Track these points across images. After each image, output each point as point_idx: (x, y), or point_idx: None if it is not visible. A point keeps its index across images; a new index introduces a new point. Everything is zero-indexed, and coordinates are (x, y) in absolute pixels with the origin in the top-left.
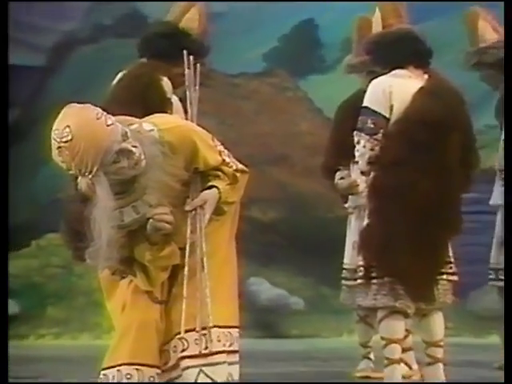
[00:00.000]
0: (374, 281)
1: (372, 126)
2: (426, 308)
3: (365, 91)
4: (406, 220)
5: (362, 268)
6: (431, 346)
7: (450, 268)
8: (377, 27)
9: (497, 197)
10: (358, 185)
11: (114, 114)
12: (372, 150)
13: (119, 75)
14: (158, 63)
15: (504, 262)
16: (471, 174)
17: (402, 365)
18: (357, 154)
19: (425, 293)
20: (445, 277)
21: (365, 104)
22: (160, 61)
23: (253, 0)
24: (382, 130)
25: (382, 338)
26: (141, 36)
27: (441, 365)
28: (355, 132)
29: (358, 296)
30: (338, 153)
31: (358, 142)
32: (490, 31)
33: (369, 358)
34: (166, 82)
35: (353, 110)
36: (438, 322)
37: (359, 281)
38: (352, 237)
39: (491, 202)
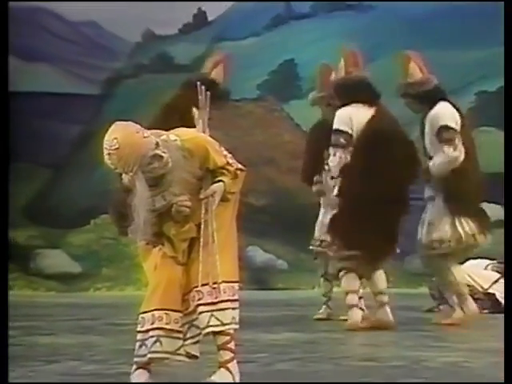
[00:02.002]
0: (341, 252)
1: (344, 141)
2: (373, 268)
3: (323, 120)
4: (367, 209)
5: (330, 242)
6: (378, 294)
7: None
8: (341, 72)
9: (427, 191)
10: (325, 192)
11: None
12: (345, 159)
13: (164, 104)
14: (192, 96)
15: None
16: (415, 172)
17: (358, 308)
18: (332, 163)
19: (379, 260)
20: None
21: (335, 127)
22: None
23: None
24: (351, 144)
25: (346, 291)
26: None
27: (387, 307)
28: (331, 148)
29: (327, 260)
30: (311, 165)
31: (334, 154)
32: (417, 71)
33: (328, 305)
34: (195, 111)
35: (318, 135)
36: (381, 277)
37: (329, 252)
38: (321, 218)
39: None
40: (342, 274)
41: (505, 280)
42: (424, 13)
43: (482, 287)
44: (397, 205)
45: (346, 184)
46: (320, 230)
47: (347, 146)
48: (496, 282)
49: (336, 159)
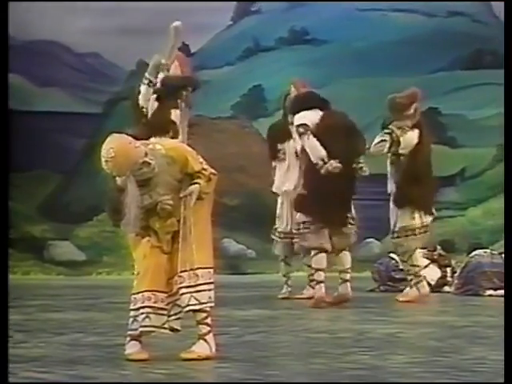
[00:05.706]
0: (308, 232)
1: (303, 130)
2: (339, 248)
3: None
4: (325, 190)
5: (300, 224)
6: (343, 272)
7: (354, 222)
8: (293, 93)
9: (389, 187)
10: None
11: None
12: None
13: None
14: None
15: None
16: (360, 159)
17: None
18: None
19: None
20: (350, 227)
21: (296, 123)
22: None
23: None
24: (308, 132)
25: (314, 268)
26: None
27: (348, 283)
28: (297, 139)
29: (288, 247)
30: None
31: (301, 140)
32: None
33: (288, 285)
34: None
35: (275, 131)
36: (346, 257)
37: (296, 235)
38: (280, 211)
39: (389, 191)
40: (313, 253)
41: (505, 279)
42: (368, 46)
43: None
44: (349, 183)
45: (308, 169)
46: (282, 222)
47: (306, 133)
48: (426, 266)
49: (304, 143)
